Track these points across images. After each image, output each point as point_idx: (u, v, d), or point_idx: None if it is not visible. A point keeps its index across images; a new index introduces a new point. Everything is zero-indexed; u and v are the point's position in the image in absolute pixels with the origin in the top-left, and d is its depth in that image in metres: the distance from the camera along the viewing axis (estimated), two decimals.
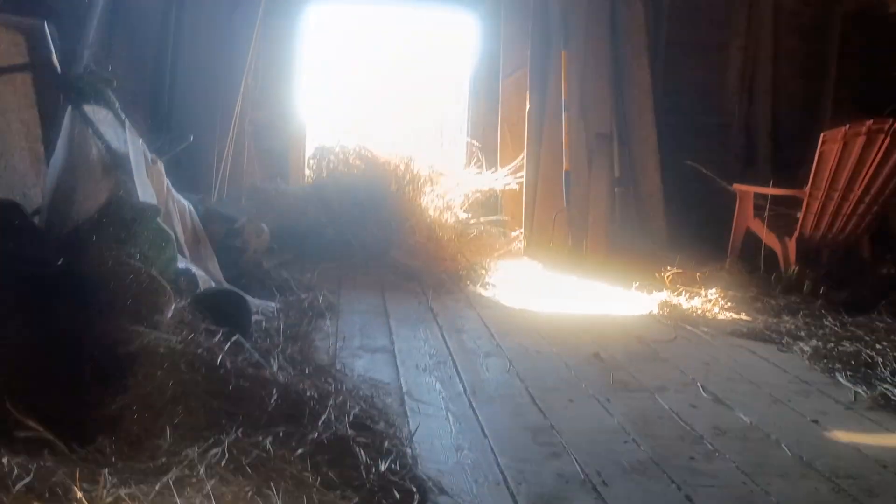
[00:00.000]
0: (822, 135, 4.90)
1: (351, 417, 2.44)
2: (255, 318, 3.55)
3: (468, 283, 4.90)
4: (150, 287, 2.74)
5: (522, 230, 5.99)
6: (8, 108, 3.82)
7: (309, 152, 6.63)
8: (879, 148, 4.78)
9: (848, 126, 4.84)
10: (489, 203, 6.35)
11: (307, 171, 6.58)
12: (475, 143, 6.57)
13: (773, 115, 6.72)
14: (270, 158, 6.36)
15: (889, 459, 2.54)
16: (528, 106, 6.11)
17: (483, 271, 5.14)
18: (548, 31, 6.15)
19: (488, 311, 4.32)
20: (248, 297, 3.86)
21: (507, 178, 6.13)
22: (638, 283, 4.97)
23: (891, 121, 4.76)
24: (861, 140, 4.78)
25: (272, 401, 2.45)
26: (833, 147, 4.84)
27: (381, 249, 5.12)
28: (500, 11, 6.47)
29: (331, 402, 2.50)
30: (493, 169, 6.35)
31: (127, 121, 3.51)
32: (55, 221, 3.15)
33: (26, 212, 3.12)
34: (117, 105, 3.47)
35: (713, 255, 5.57)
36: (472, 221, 5.76)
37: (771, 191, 5.35)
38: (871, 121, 4.80)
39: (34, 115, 3.99)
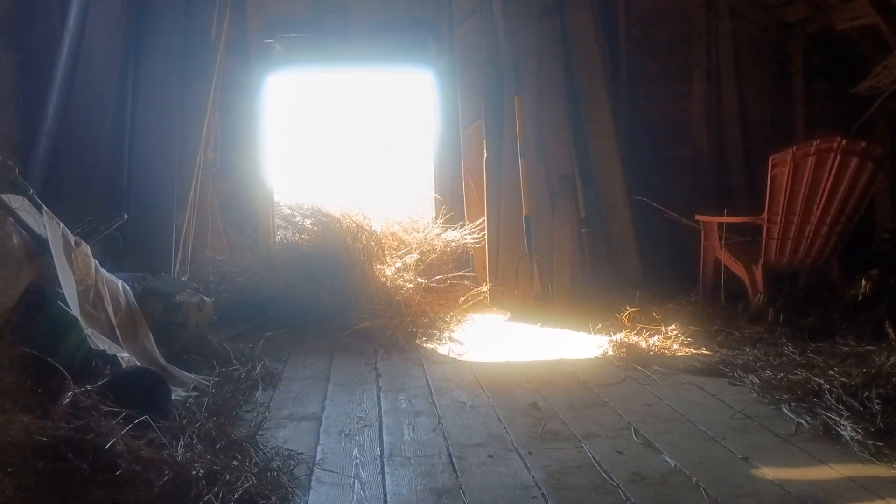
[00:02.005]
0: (770, 158, 4.79)
1: (238, 493, 2.38)
2: (184, 394, 3.48)
3: (425, 339, 4.76)
4: (44, 375, 2.69)
5: (487, 280, 5.86)
6: None
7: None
8: (831, 167, 4.68)
9: (795, 147, 4.75)
10: (461, 258, 6.26)
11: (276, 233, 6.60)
12: (438, 196, 6.52)
13: (744, 142, 6.62)
14: (238, 227, 6.33)
15: (811, 496, 2.43)
16: (485, 154, 6.06)
17: (444, 325, 5.04)
18: (500, 80, 6.13)
19: (437, 367, 4.19)
20: (184, 374, 3.82)
21: (473, 232, 6.05)
22: (600, 325, 4.82)
23: (839, 139, 4.67)
24: (811, 161, 4.68)
25: (160, 483, 2.40)
26: (784, 170, 4.73)
27: (338, 314, 5.02)
28: (455, 66, 6.47)
29: (221, 478, 2.44)
30: (461, 221, 6.29)
31: (44, 206, 3.51)
32: None
33: None
34: (31, 191, 3.48)
35: (690, 289, 5.45)
36: (438, 277, 5.64)
37: (730, 219, 5.24)
38: (819, 140, 4.70)
39: None
